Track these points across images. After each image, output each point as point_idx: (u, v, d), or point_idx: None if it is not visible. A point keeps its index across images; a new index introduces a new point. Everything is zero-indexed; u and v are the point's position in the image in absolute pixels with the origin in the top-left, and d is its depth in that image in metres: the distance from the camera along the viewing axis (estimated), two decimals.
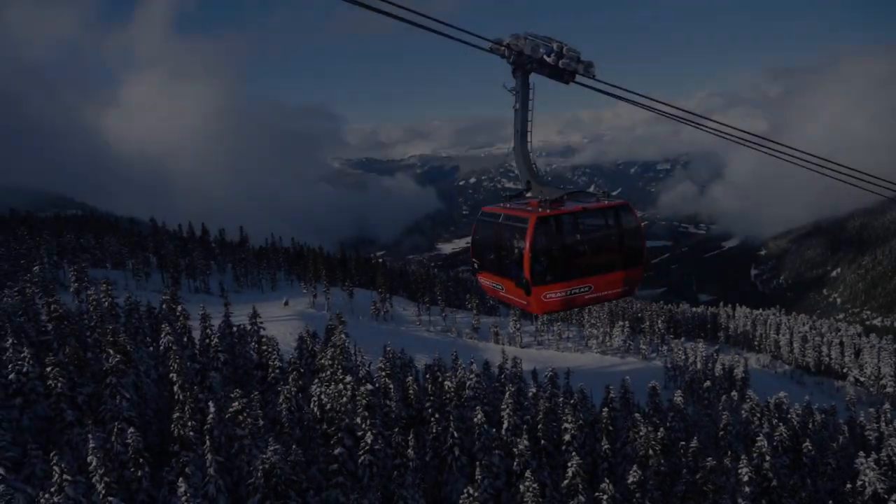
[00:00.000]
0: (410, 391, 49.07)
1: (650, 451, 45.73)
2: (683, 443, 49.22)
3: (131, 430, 31.05)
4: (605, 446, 46.55)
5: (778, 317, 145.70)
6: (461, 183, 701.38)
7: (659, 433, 48.47)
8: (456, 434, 42.81)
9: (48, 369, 35.80)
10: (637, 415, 51.35)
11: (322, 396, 41.40)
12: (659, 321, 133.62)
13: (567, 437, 45.81)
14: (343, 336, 57.41)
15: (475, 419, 44.28)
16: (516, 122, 11.32)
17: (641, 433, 46.65)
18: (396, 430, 39.78)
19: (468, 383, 52.61)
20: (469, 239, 13.63)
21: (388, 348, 61.36)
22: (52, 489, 23.98)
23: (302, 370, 47.32)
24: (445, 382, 48.55)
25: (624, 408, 60.29)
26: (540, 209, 11.25)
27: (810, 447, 53.57)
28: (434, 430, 43.54)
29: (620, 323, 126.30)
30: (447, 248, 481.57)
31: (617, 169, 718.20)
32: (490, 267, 12.77)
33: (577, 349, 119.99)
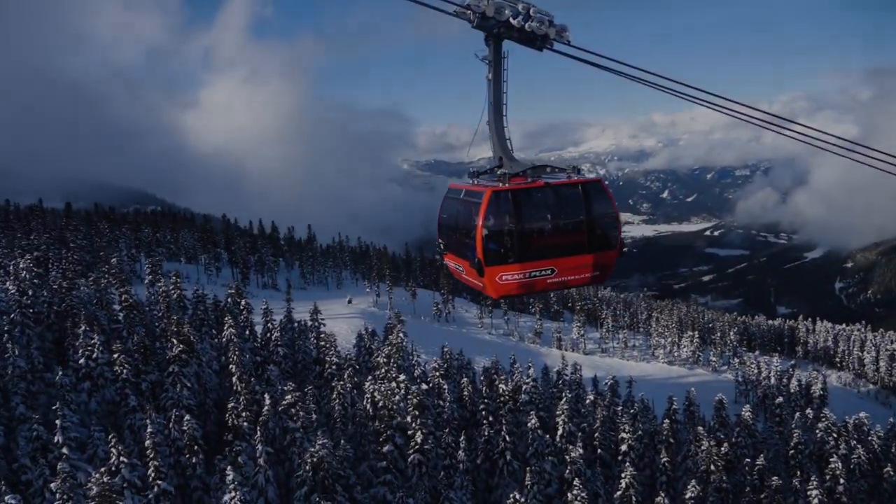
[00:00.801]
0: (465, 393, 48.74)
1: (712, 467, 43.69)
2: (749, 460, 46.83)
3: (187, 417, 31.98)
4: (664, 459, 44.78)
5: (863, 333, 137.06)
6: None
7: (723, 448, 46.29)
8: (508, 438, 42.12)
9: (115, 356, 37.39)
10: (700, 428, 49.22)
11: (375, 394, 41.55)
12: (731, 333, 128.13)
13: (624, 448, 44.34)
14: (401, 335, 57.68)
15: (529, 424, 43.49)
16: (489, 93, 10.57)
17: (703, 447, 44.64)
18: (447, 430, 39.47)
19: (524, 387, 51.81)
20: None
21: (446, 349, 61.17)
22: (103, 469, 24.85)
23: (357, 367, 47.74)
24: (500, 385, 47.90)
25: (688, 420, 58.03)
26: (499, 183, 10.59)
27: (892, 472, 49.96)
28: (486, 433, 42.99)
29: (689, 333, 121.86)
30: None
31: (693, 174, 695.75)
32: (453, 247, 12.13)
33: (642, 358, 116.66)
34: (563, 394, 51.22)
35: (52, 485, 24.07)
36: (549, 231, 10.93)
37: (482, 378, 56.07)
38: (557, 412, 46.27)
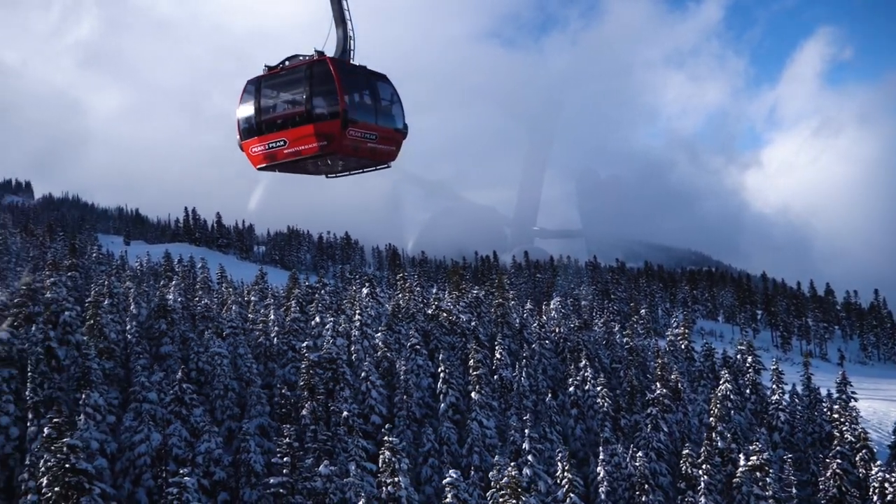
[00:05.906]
0: None
1: None
2: None
3: (640, 454, 32.54)
4: None
5: None
6: None
7: None
8: None
9: (599, 389, 40.94)
10: None
11: (885, 484, 33.35)
12: None
13: None
14: None
15: None
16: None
17: None
18: None
19: None
20: None
21: None
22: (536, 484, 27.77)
23: (875, 450, 39.08)
24: None
25: None
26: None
27: None
28: None
29: None
30: None
31: None
32: None
33: None
34: None
35: (490, 474, 28.45)
36: (281, 108, 12.74)
37: None
38: None
